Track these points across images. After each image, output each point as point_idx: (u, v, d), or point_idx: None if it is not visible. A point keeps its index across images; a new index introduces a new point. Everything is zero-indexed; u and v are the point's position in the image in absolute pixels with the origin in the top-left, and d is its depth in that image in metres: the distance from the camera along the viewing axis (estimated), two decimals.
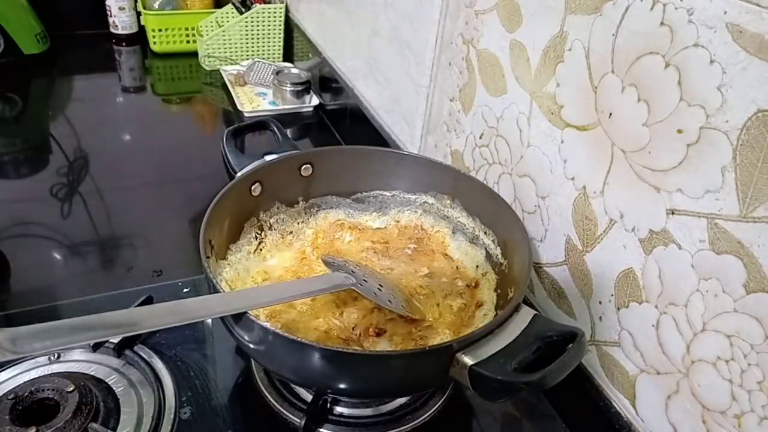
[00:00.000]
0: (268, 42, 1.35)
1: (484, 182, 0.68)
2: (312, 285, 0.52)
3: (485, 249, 0.64)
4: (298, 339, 0.44)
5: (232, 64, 1.32)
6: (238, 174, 0.64)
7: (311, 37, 1.25)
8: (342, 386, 0.48)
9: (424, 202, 0.70)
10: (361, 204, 0.72)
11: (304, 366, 0.46)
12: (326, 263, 0.57)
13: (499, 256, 0.62)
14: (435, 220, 0.70)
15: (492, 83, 0.65)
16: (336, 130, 1.14)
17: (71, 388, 0.51)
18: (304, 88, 1.18)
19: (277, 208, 0.67)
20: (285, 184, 0.67)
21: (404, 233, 0.70)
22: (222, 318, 0.48)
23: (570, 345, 0.44)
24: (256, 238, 0.65)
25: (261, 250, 0.64)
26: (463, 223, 0.67)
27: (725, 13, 0.38)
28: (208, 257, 0.52)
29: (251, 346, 0.48)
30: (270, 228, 0.66)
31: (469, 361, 0.43)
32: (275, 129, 0.76)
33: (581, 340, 0.44)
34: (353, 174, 0.70)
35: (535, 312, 0.48)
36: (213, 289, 0.48)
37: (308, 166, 0.67)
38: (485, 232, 0.65)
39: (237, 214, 0.62)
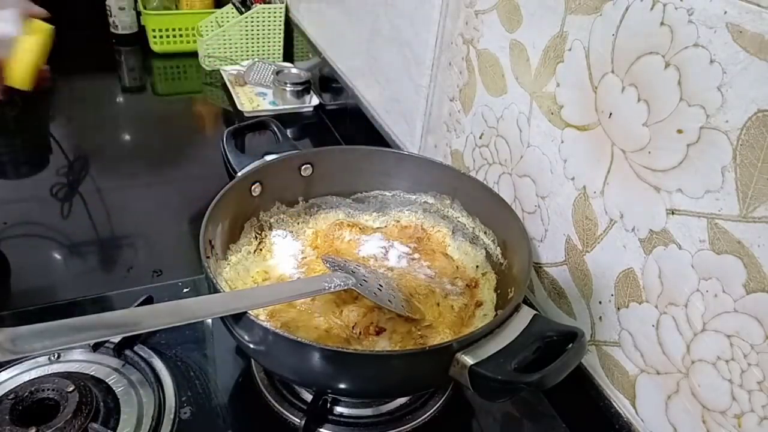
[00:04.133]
0: (268, 42, 1.35)
1: (484, 182, 0.68)
2: (312, 285, 0.52)
3: (485, 249, 0.64)
4: (298, 339, 0.44)
5: (232, 64, 1.32)
6: (238, 174, 0.64)
7: (311, 37, 1.25)
8: (342, 386, 0.48)
9: (425, 201, 0.70)
10: (361, 204, 0.72)
11: (304, 366, 0.46)
12: (326, 263, 0.57)
13: (499, 256, 0.62)
14: (435, 220, 0.70)
15: (492, 83, 0.65)
16: (336, 130, 1.14)
17: (71, 388, 0.51)
18: (304, 88, 1.18)
19: (277, 208, 0.67)
20: (285, 184, 0.67)
21: (404, 233, 0.70)
22: (222, 318, 0.48)
23: (570, 345, 0.44)
24: (256, 238, 0.65)
25: (261, 250, 0.64)
26: (463, 223, 0.67)
27: (725, 13, 0.38)
28: (208, 257, 0.52)
29: (251, 346, 0.48)
30: (270, 228, 0.66)
31: (469, 361, 0.43)
32: (275, 129, 0.76)
33: (581, 340, 0.44)
34: (353, 174, 0.70)
35: (535, 312, 0.48)
36: (213, 289, 0.48)
37: (308, 166, 0.67)
38: (485, 232, 0.65)
39: (237, 214, 0.62)
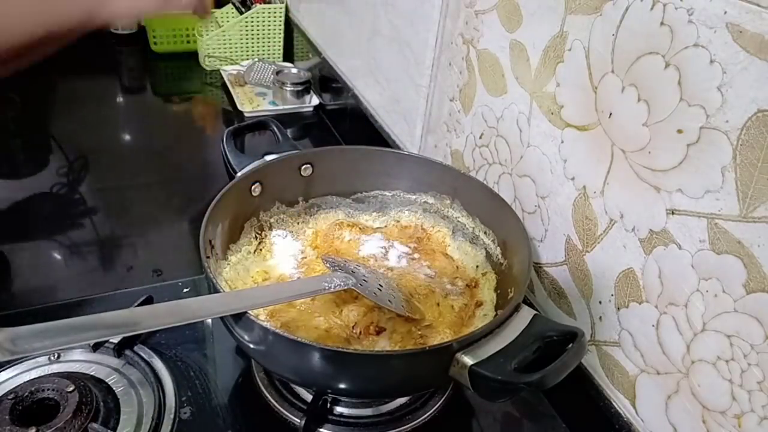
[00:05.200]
0: (268, 42, 1.35)
1: (484, 182, 0.68)
2: (312, 285, 0.52)
3: (485, 249, 0.64)
4: (298, 338, 0.44)
5: (232, 64, 1.32)
6: (238, 174, 0.64)
7: (311, 37, 1.25)
8: (342, 386, 0.48)
9: (425, 201, 0.70)
10: (361, 204, 0.72)
11: (304, 366, 0.46)
12: (326, 263, 0.57)
13: (499, 256, 0.62)
14: (435, 220, 0.70)
15: (492, 83, 0.65)
16: (336, 130, 1.14)
17: (71, 388, 0.51)
18: (304, 88, 1.18)
19: (277, 208, 0.67)
20: (285, 184, 0.67)
21: (404, 233, 0.70)
22: (222, 318, 0.48)
23: (570, 345, 0.44)
24: (256, 238, 0.65)
25: (261, 250, 0.64)
26: (463, 222, 0.67)
27: (725, 13, 0.38)
28: (208, 257, 0.52)
29: (251, 346, 0.48)
30: (270, 228, 0.66)
31: (469, 361, 0.43)
32: (275, 129, 0.76)
33: (581, 340, 0.44)
34: (353, 174, 0.70)
35: (535, 312, 0.48)
36: (213, 289, 0.48)
37: (308, 166, 0.67)
38: (485, 232, 0.65)
39: (237, 214, 0.62)
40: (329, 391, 0.53)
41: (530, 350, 0.45)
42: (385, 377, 0.48)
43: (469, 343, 0.45)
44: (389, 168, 0.70)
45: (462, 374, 0.44)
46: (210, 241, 0.54)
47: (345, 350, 0.49)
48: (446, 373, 0.45)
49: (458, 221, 0.68)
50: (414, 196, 0.70)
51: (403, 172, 0.69)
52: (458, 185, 0.67)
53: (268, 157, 0.66)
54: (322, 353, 0.44)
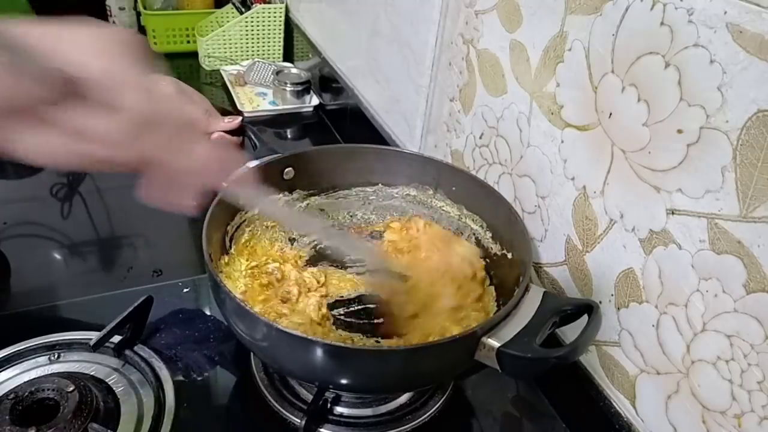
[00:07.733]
0: (268, 42, 1.35)
1: (466, 169, 0.69)
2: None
3: (474, 235, 0.66)
4: (327, 341, 0.45)
5: (232, 64, 1.32)
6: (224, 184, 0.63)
7: (311, 37, 1.25)
8: (369, 383, 0.50)
9: (407, 194, 0.71)
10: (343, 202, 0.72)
11: (326, 365, 0.47)
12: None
13: (489, 240, 0.64)
14: (419, 211, 0.71)
15: (492, 83, 0.65)
16: (336, 130, 1.14)
17: (71, 388, 0.51)
18: (304, 88, 1.18)
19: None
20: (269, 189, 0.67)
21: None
22: (225, 317, 0.48)
23: (588, 317, 0.46)
24: (246, 245, 0.65)
25: (252, 254, 0.65)
26: (447, 211, 0.68)
27: (725, 13, 0.38)
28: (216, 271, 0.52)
29: (255, 343, 0.49)
30: (258, 234, 0.67)
31: (495, 343, 0.45)
32: (251, 135, 0.75)
33: (598, 312, 0.46)
34: (334, 173, 0.70)
35: (544, 289, 0.49)
36: (224, 295, 0.48)
37: (290, 169, 0.67)
38: (472, 219, 0.66)
39: (228, 223, 0.62)
40: (350, 389, 0.53)
41: (548, 326, 0.47)
42: (414, 369, 0.49)
43: (492, 326, 0.46)
44: (370, 164, 0.70)
45: (490, 356, 0.46)
46: (209, 255, 0.54)
47: (380, 348, 0.50)
48: (472, 358, 0.47)
49: (443, 210, 0.69)
50: (396, 190, 0.71)
51: (383, 168, 0.70)
52: (440, 175, 0.68)
53: (251, 164, 0.66)
54: (346, 352, 0.46)
